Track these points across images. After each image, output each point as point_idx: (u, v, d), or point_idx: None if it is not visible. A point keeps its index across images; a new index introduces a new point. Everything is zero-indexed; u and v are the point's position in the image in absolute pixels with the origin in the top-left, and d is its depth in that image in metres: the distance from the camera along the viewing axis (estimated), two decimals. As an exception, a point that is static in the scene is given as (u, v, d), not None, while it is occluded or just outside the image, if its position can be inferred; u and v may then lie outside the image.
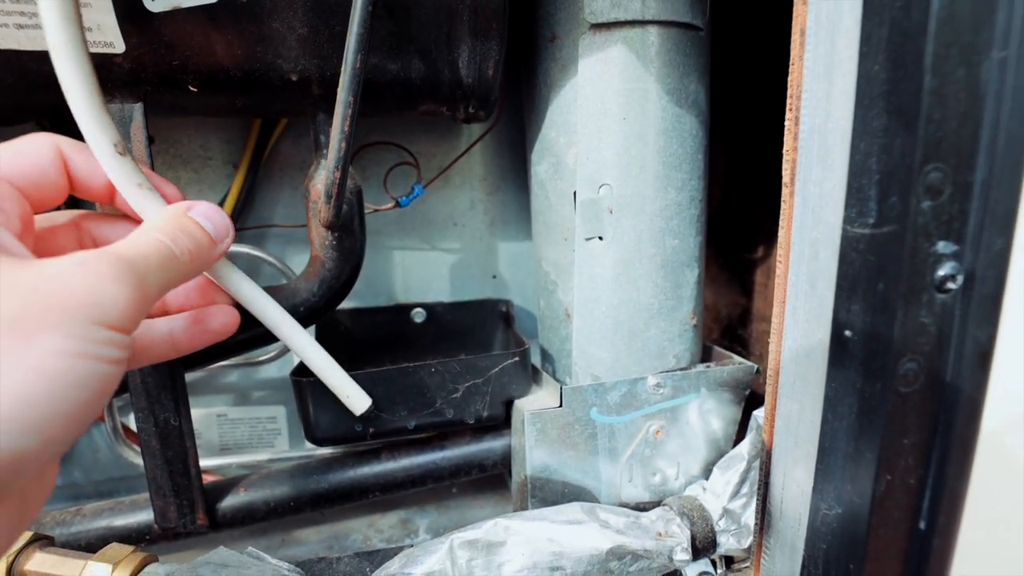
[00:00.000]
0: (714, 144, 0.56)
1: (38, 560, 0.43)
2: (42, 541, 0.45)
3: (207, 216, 0.33)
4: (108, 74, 0.41)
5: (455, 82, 0.46)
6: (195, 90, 0.43)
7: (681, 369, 0.54)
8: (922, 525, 0.32)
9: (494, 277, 0.71)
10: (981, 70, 0.27)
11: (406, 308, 0.65)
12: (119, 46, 0.39)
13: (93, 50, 0.39)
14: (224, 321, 0.41)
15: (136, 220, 0.36)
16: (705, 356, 0.59)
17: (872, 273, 0.30)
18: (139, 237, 0.29)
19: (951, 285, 0.29)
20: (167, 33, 0.40)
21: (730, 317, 0.75)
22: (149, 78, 0.42)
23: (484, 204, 0.70)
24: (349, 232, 0.49)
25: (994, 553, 0.33)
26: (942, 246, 0.28)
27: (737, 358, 0.56)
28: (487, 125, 0.65)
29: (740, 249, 0.71)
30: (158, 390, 0.49)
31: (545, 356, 0.60)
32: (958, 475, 0.31)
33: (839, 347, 0.33)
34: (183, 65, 0.41)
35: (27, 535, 0.45)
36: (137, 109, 0.43)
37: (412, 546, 0.47)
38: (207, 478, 0.56)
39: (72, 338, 0.22)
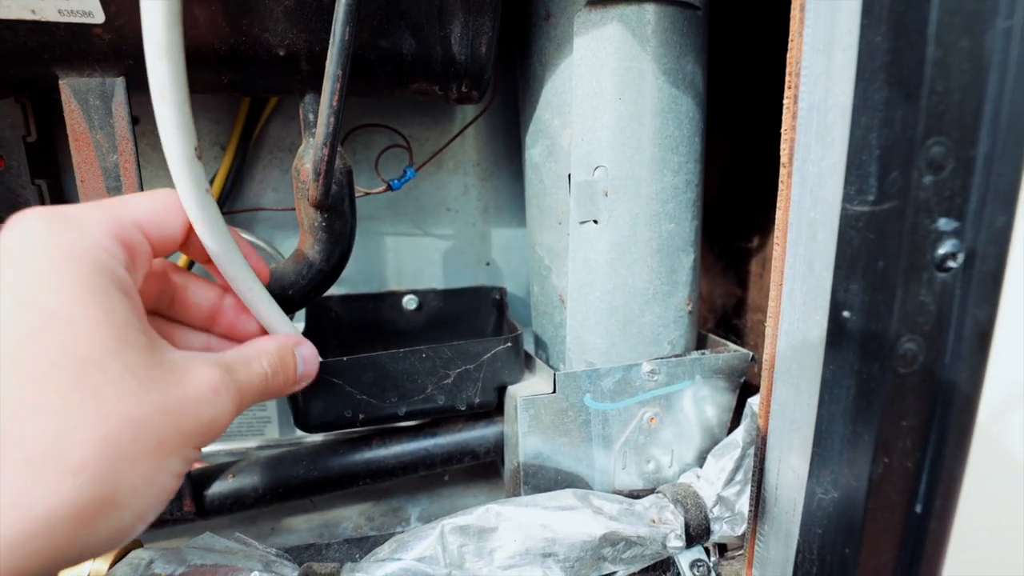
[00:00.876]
0: (712, 131, 0.55)
1: (18, 546, 0.42)
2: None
3: (305, 359, 0.36)
4: (87, 46, 0.39)
5: (447, 59, 0.45)
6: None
7: (676, 356, 0.54)
8: (918, 508, 0.32)
9: (488, 264, 0.71)
10: (985, 40, 0.26)
11: (398, 295, 0.65)
12: (98, 16, 0.38)
13: (69, 19, 0.38)
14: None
15: (223, 285, 0.36)
16: (700, 343, 0.59)
17: (872, 251, 0.29)
18: (252, 364, 0.31)
19: (952, 263, 0.28)
20: None
21: (725, 307, 0.75)
22: (130, 51, 0.40)
23: (478, 190, 0.69)
24: (339, 214, 0.48)
25: (990, 537, 0.32)
26: (943, 223, 0.28)
27: (732, 345, 0.56)
28: (481, 107, 0.64)
29: (736, 239, 0.70)
30: (143, 374, 0.48)
31: (539, 342, 0.59)
32: (955, 457, 0.31)
33: (837, 328, 0.32)
34: (166, 38, 0.40)
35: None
36: (119, 84, 0.42)
37: (400, 531, 0.47)
38: (195, 465, 0.56)
39: (182, 460, 0.24)
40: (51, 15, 0.37)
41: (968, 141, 0.27)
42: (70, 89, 0.41)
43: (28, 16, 0.37)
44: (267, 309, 0.36)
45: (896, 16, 0.27)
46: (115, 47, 0.40)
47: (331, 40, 0.37)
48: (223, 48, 0.41)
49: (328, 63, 0.38)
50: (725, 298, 0.75)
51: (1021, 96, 0.26)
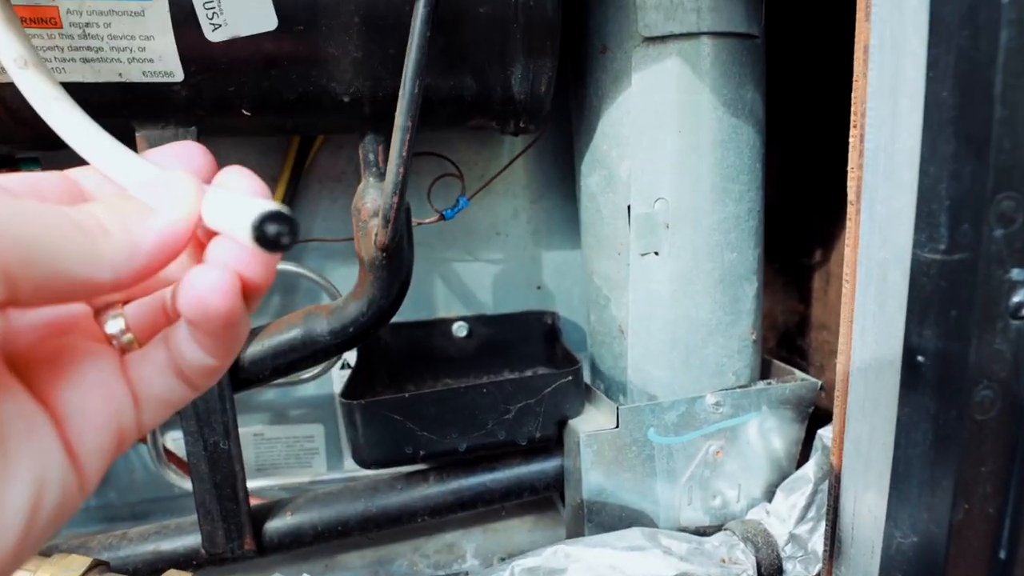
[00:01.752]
0: (767, 142, 0.59)
1: (102, 585, 0.47)
2: (100, 567, 0.50)
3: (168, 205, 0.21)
4: (166, 102, 0.46)
5: (507, 98, 0.50)
6: (248, 114, 0.47)
7: (741, 387, 0.57)
8: (1002, 555, 0.35)
9: (538, 288, 0.75)
10: (1053, 99, 0.29)
11: (448, 322, 0.70)
12: (178, 75, 0.44)
13: (152, 80, 0.44)
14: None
15: None
16: (765, 372, 0.62)
17: (944, 299, 0.33)
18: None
19: (1026, 311, 0.31)
20: (225, 61, 0.44)
21: (787, 325, 0.78)
22: (205, 104, 0.47)
23: (528, 212, 0.73)
24: (399, 251, 0.53)
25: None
26: (1016, 273, 0.31)
27: (799, 374, 0.59)
28: (533, 136, 0.69)
29: (796, 253, 0.73)
30: (208, 413, 0.54)
31: (596, 372, 0.63)
32: (1037, 501, 0.34)
33: (911, 371, 0.36)
34: (238, 90, 0.46)
35: (86, 561, 0.49)
36: (191, 134, 0.48)
37: (465, 573, 0.51)
38: (251, 501, 0.61)
39: None
40: (136, 77, 0.43)
41: (1038, 195, 0.30)
42: (146, 140, 0.47)
43: (115, 79, 0.43)
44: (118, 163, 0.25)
45: (961, 75, 0.30)
46: (190, 102, 0.46)
47: (401, 92, 0.42)
48: (291, 97, 0.47)
49: (397, 115, 0.43)
50: (787, 315, 0.78)
51: (1090, 151, 0.29)
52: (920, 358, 0.35)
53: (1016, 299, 0.31)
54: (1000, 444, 0.33)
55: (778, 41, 0.60)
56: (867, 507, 0.42)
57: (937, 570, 0.35)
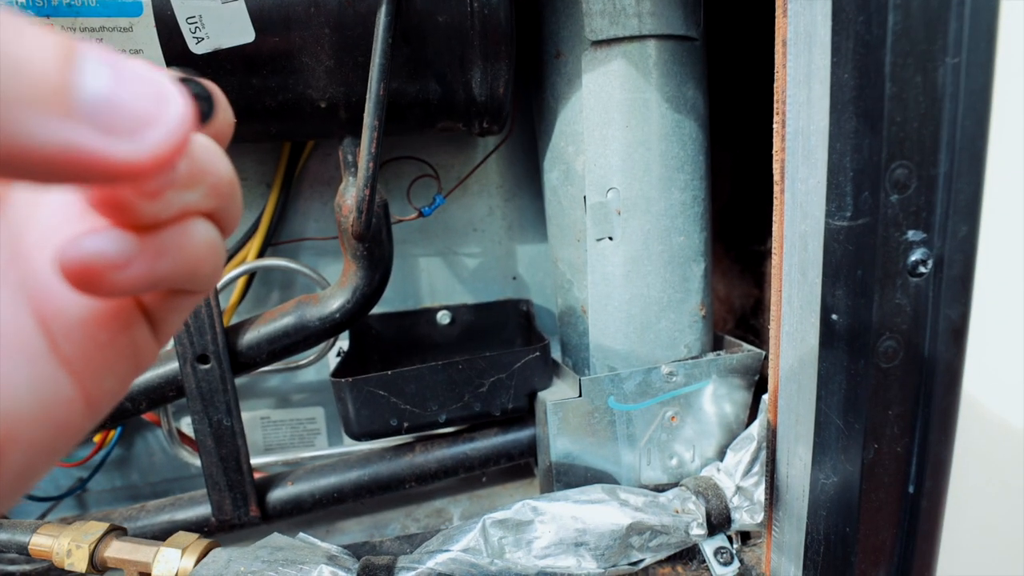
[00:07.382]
0: (719, 144, 0.52)
1: (116, 547, 0.44)
2: (117, 531, 0.49)
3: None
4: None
5: (469, 101, 0.45)
6: (234, 121, 0.47)
7: (692, 358, 0.53)
8: (911, 489, 0.34)
9: (514, 279, 0.72)
10: (937, 75, 0.28)
11: (432, 311, 0.66)
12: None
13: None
14: None
15: None
16: (716, 345, 0.59)
17: (851, 261, 0.31)
18: None
19: (922, 269, 0.30)
20: (209, 71, 0.40)
21: (743, 308, 0.75)
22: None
23: (501, 210, 0.70)
24: (378, 243, 0.46)
25: (981, 512, 0.35)
26: (912, 234, 0.30)
27: (746, 346, 0.57)
28: (500, 137, 0.67)
29: (750, 242, 0.71)
30: (211, 394, 0.52)
31: (565, 350, 0.60)
32: (941, 441, 0.33)
33: (828, 330, 0.34)
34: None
35: (103, 526, 0.49)
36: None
37: (444, 527, 0.51)
38: (256, 475, 0.61)
39: None
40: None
41: (929, 163, 0.29)
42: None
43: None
44: None
45: (858, 57, 0.29)
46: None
47: (367, 95, 0.39)
48: (272, 104, 0.44)
49: (366, 115, 0.40)
50: (743, 299, 0.76)
51: (973, 122, 0.29)
52: (834, 316, 0.33)
53: (913, 258, 0.29)
54: (904, 389, 0.31)
55: (724, 45, 0.56)
56: (798, 456, 0.40)
57: (852, 505, 0.33)
